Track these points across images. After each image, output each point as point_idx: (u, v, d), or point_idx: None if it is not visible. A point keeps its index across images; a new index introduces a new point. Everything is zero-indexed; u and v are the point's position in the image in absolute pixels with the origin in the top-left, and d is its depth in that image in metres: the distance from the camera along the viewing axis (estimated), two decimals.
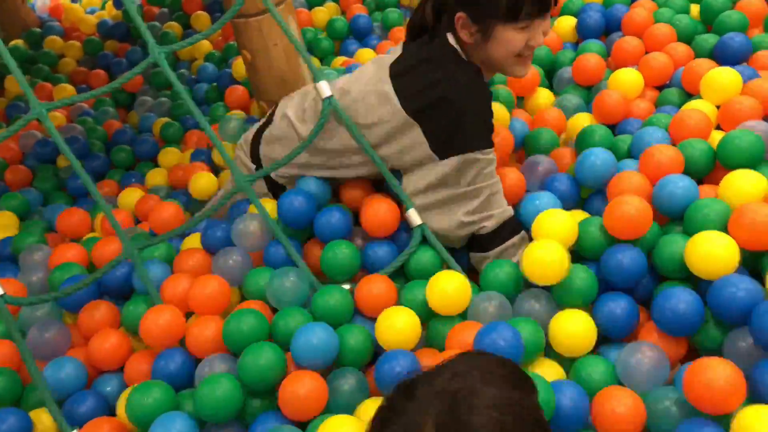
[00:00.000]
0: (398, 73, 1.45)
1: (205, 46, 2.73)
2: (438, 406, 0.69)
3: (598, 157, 1.45)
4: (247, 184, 1.51)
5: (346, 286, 1.42)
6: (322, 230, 1.49)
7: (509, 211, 1.45)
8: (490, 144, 1.42)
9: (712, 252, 1.18)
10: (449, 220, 1.44)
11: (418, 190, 1.45)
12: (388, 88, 1.43)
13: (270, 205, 1.54)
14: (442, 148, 1.40)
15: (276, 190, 1.63)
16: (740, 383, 1.03)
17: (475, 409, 0.68)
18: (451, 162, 1.40)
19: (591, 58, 1.83)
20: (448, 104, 1.38)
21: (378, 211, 1.47)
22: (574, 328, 1.22)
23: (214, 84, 2.52)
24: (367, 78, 1.51)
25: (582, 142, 1.60)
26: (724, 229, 1.25)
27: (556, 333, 1.23)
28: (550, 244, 1.27)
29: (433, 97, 1.39)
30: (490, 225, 1.43)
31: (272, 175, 1.59)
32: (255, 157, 1.65)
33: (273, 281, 1.37)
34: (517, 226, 1.45)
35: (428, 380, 0.73)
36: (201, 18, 2.85)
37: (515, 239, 1.44)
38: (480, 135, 1.41)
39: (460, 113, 1.38)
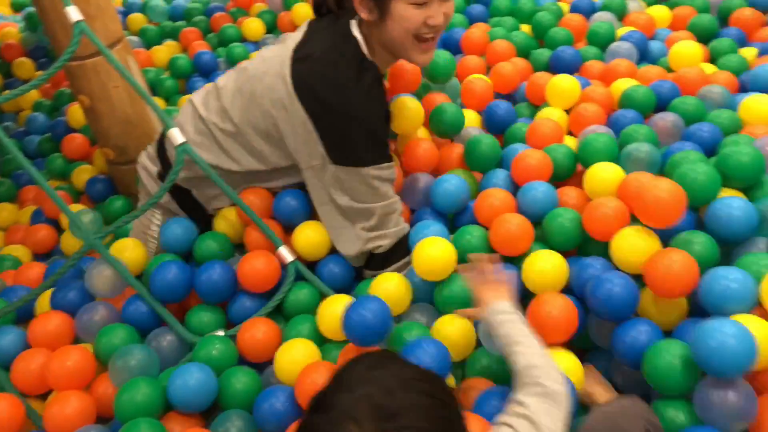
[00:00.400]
0: (299, 58, 1.39)
1: (32, 94, 2.51)
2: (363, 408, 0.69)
3: (451, 183, 1.49)
4: (98, 241, 1.42)
5: (220, 333, 1.37)
6: (203, 291, 1.42)
7: (405, 229, 1.44)
8: (385, 158, 1.39)
9: (544, 269, 1.27)
10: (355, 237, 1.40)
11: (328, 195, 1.40)
12: (287, 71, 1.38)
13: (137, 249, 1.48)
14: (333, 154, 1.37)
15: (182, 195, 1.55)
16: (573, 314, 1.19)
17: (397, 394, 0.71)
18: (343, 171, 1.37)
19: (441, 54, 1.79)
20: (338, 111, 1.35)
21: (256, 268, 1.41)
22: (454, 329, 1.25)
23: (48, 134, 2.32)
24: (269, 56, 1.46)
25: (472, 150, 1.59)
26: (579, 230, 1.34)
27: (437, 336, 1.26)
28: (395, 277, 1.34)
29: (326, 100, 1.35)
30: (385, 244, 1.42)
31: (177, 180, 1.50)
32: (162, 157, 1.56)
33: (116, 362, 1.26)
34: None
35: (340, 389, 0.73)
36: (24, 65, 2.63)
37: (409, 257, 1.42)
38: (372, 149, 1.39)
39: (352, 125, 1.35)
